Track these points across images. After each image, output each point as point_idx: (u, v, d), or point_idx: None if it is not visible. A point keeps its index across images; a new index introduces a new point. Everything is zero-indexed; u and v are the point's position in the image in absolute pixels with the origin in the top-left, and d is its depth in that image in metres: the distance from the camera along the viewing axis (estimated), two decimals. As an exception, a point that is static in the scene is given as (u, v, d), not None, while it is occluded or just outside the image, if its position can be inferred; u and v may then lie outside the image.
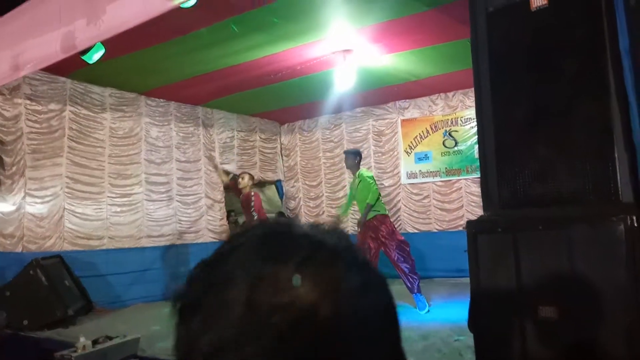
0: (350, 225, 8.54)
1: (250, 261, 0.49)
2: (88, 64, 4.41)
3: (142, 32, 4.74)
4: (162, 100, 7.38)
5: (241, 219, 9.49)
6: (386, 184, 8.24)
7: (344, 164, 6.27)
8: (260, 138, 9.08)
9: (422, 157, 7.99)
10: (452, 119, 7.77)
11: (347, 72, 6.03)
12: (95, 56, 4.18)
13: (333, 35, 5.33)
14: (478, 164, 7.56)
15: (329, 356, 0.46)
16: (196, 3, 3.39)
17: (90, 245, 6.38)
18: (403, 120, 8.22)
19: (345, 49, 5.78)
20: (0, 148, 5.76)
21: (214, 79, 6.54)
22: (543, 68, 2.27)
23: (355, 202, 5.96)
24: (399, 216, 8.07)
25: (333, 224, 0.57)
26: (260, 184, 9.19)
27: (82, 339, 3.45)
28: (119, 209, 6.73)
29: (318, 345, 0.45)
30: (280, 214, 8.95)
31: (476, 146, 7.26)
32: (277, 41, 5.43)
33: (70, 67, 5.44)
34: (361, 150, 8.57)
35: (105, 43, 4.10)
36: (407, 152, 8.16)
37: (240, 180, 6.75)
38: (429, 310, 5.27)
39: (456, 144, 7.71)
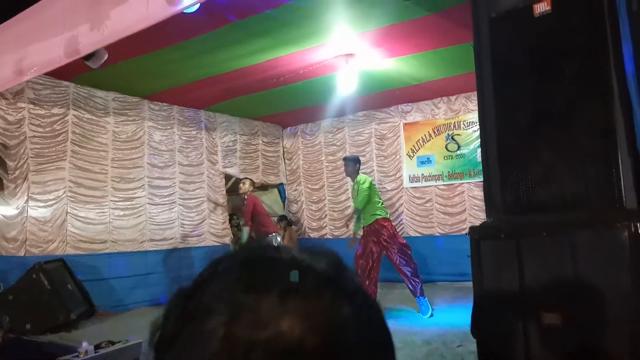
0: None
1: (230, 291, 0.45)
2: (91, 68, 4.44)
3: (145, 36, 4.76)
4: (165, 104, 7.39)
5: (242, 222, 9.51)
6: (388, 188, 8.24)
7: (344, 170, 6.25)
8: (263, 142, 9.08)
9: (425, 161, 7.98)
10: (454, 122, 7.77)
11: (349, 76, 6.04)
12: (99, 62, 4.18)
13: (335, 39, 5.34)
14: (481, 167, 7.55)
15: None
16: (199, 8, 3.40)
17: (93, 249, 6.38)
18: (405, 124, 8.22)
19: (347, 53, 5.79)
20: (4, 152, 5.78)
21: (216, 83, 6.55)
22: (546, 73, 2.27)
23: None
24: (401, 220, 8.06)
25: (324, 247, 0.52)
26: (263, 188, 9.19)
27: (84, 344, 3.45)
28: (121, 213, 6.74)
29: None
30: (283, 217, 8.94)
31: (479, 150, 7.26)
32: (280, 45, 5.44)
33: (74, 71, 5.45)
34: (363, 154, 8.61)
35: (108, 48, 4.12)
36: (409, 156, 8.16)
37: (241, 185, 6.77)
38: (432, 315, 5.26)
39: (459, 147, 7.70)
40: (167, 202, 7.30)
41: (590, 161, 2.09)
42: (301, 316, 0.43)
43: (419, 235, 7.89)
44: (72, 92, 6.33)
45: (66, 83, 6.25)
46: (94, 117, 6.56)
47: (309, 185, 9.24)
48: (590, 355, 2.00)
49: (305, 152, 9.31)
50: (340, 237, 8.77)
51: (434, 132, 7.92)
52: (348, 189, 8.72)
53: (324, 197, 9.05)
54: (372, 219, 5.58)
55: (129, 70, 5.84)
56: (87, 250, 6.31)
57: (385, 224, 5.55)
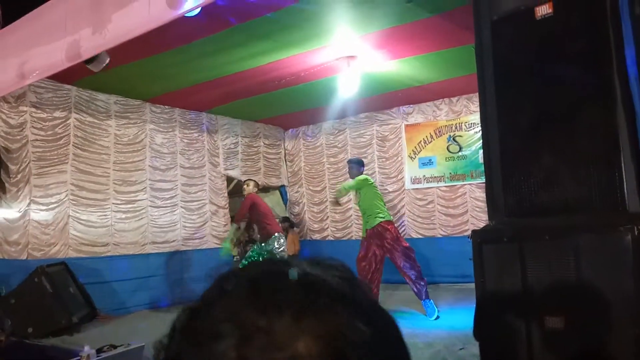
0: (355, 231, 8.54)
1: (241, 311, 0.42)
2: (93, 71, 4.44)
3: (146, 40, 4.77)
4: (166, 106, 7.40)
5: (244, 225, 9.50)
6: (390, 189, 8.23)
7: (348, 172, 6.24)
8: (264, 144, 9.09)
9: (426, 162, 7.98)
10: (456, 124, 7.76)
11: (351, 78, 6.03)
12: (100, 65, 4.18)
13: (337, 41, 5.34)
14: (482, 169, 7.57)
15: None
16: (200, 12, 3.40)
17: (95, 252, 6.39)
18: (407, 126, 8.21)
19: (349, 55, 5.78)
20: (6, 156, 5.79)
21: (218, 86, 6.56)
22: (548, 76, 2.26)
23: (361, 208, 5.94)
24: (403, 221, 8.05)
25: (334, 259, 0.50)
26: (264, 190, 9.19)
27: (86, 348, 3.44)
28: (123, 216, 6.74)
29: None
30: (285, 219, 8.94)
31: (481, 151, 7.25)
32: (282, 48, 5.44)
33: (76, 74, 5.46)
34: (365, 155, 8.61)
35: (110, 51, 4.12)
36: (411, 157, 8.15)
37: (245, 187, 6.75)
38: (438, 317, 5.24)
39: (460, 149, 7.69)
40: (168, 205, 7.30)
41: (593, 165, 2.08)
42: (317, 336, 0.41)
43: (420, 237, 7.88)
44: (73, 96, 6.34)
45: (68, 86, 6.26)
46: (95, 120, 6.57)
47: (311, 187, 9.24)
48: (593, 358, 1.99)
49: (307, 154, 9.31)
50: (342, 238, 8.77)
51: (436, 134, 7.92)
52: (350, 192, 8.72)
53: (325, 199, 9.04)
54: (375, 222, 5.56)
55: (131, 73, 5.84)
56: (89, 253, 6.32)
57: (389, 227, 5.53)
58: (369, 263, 5.48)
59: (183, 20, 3.69)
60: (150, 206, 7.07)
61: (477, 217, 7.52)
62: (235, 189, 8.74)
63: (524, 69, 2.33)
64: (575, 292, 2.04)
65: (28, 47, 3.97)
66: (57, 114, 6.18)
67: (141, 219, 6.93)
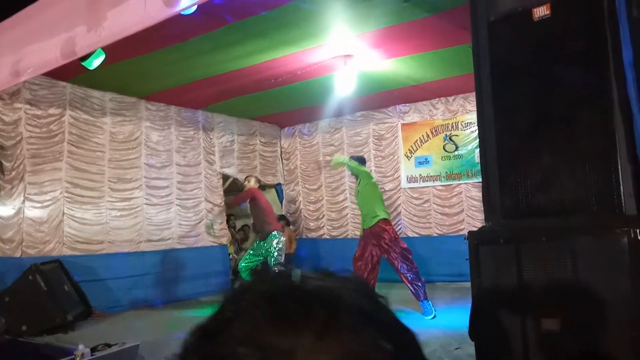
0: (351, 230, 8.54)
1: (260, 332, 0.40)
2: (88, 69, 4.42)
3: (142, 37, 4.75)
4: (162, 104, 7.37)
5: (240, 223, 9.50)
6: (386, 188, 8.23)
7: (340, 168, 6.21)
8: (261, 142, 9.07)
9: (423, 161, 7.98)
10: (452, 123, 7.76)
11: (347, 76, 6.02)
12: (96, 62, 4.18)
13: (334, 40, 5.33)
14: (479, 168, 7.53)
15: None
16: (196, 10, 3.38)
17: (90, 249, 6.36)
18: (403, 125, 8.21)
19: (345, 54, 5.77)
20: (0, 153, 5.75)
21: (214, 84, 6.53)
22: (545, 78, 2.26)
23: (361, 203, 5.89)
24: (399, 220, 8.06)
25: (348, 271, 0.48)
26: (261, 188, 9.15)
27: (80, 347, 3.43)
28: (118, 214, 6.72)
29: None
30: (282, 217, 8.92)
31: (477, 150, 7.27)
32: (278, 46, 5.42)
33: (71, 71, 5.43)
34: (361, 154, 8.59)
35: (105, 48, 4.10)
36: (407, 156, 8.15)
37: (246, 183, 6.71)
38: (435, 316, 5.24)
39: (456, 148, 7.70)
40: (164, 203, 7.28)
41: (589, 166, 2.09)
42: (341, 357, 0.39)
43: (416, 235, 7.89)
44: (68, 93, 6.31)
45: (63, 83, 6.22)
46: (90, 118, 6.54)
47: (307, 186, 9.23)
48: (589, 361, 2.00)
49: (303, 152, 9.30)
50: (338, 237, 8.77)
51: (432, 133, 7.92)
52: (346, 190, 8.73)
53: (321, 197, 9.04)
54: (373, 222, 5.51)
55: (126, 70, 5.81)
56: (84, 251, 6.29)
57: (387, 228, 5.49)
58: (365, 263, 5.47)
59: (179, 18, 3.67)
60: (146, 204, 7.04)
61: (472, 216, 7.53)
62: (231, 187, 8.72)
63: (521, 70, 2.33)
64: (572, 294, 2.04)
65: (23, 45, 3.94)
66: (51, 111, 6.14)
67: (136, 216, 6.91)
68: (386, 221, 5.57)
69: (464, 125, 7.64)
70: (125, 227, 6.75)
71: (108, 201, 6.62)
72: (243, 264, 6.45)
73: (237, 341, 0.40)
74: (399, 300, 6.05)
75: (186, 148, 7.71)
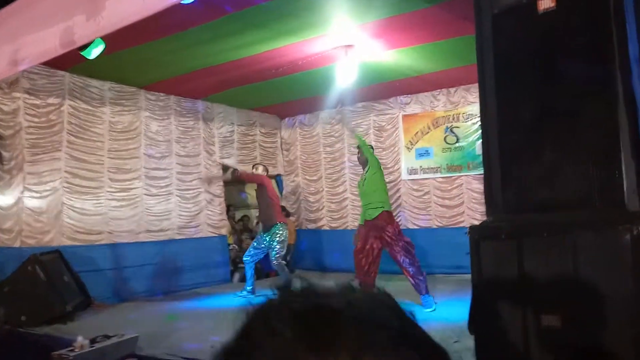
0: (350, 221, 8.53)
1: (293, 353, 0.38)
2: (87, 57, 4.39)
3: (141, 26, 4.69)
4: (162, 94, 7.32)
5: (239, 214, 9.48)
6: (386, 180, 8.17)
7: (357, 158, 6.08)
8: (261, 132, 9.03)
9: (423, 153, 7.95)
10: (453, 114, 7.72)
11: (348, 67, 5.98)
12: (95, 51, 4.14)
13: (335, 30, 5.28)
14: (479, 160, 7.53)
15: None
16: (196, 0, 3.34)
17: (89, 240, 6.35)
18: (404, 116, 8.17)
19: (346, 45, 5.72)
20: (-1, 142, 5.72)
21: (214, 74, 6.49)
22: (549, 71, 2.23)
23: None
24: (399, 212, 8.04)
25: (370, 288, 0.49)
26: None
27: (79, 338, 3.43)
28: (118, 204, 6.70)
29: None
30: (282, 208, 8.91)
31: (478, 142, 7.24)
32: (279, 37, 5.38)
33: (70, 61, 5.38)
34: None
35: (105, 37, 4.07)
36: (408, 148, 8.12)
37: (254, 170, 6.67)
38: (434, 309, 5.23)
39: (457, 140, 7.66)
40: (164, 193, 7.26)
41: (593, 162, 2.06)
42: None
43: (416, 227, 7.88)
44: (67, 82, 6.26)
45: (62, 73, 6.17)
46: (90, 107, 6.50)
47: (307, 177, 9.21)
48: (590, 357, 1.99)
49: (303, 143, 9.26)
50: (338, 228, 8.76)
51: (433, 125, 7.88)
52: (346, 181, 8.71)
53: (321, 189, 9.02)
54: (375, 213, 5.45)
55: (126, 60, 5.77)
56: (83, 241, 6.28)
57: (390, 221, 5.46)
58: (367, 255, 5.44)
59: (179, 7, 3.63)
60: (145, 194, 7.03)
61: (473, 208, 7.52)
62: (230, 178, 8.69)
63: (525, 63, 2.30)
64: (573, 290, 2.03)
65: (21, 34, 3.90)
66: (50, 100, 6.10)
67: (136, 207, 6.89)
68: (389, 213, 5.53)
69: (465, 116, 7.60)
70: (124, 217, 6.74)
71: (107, 191, 6.60)
72: (247, 258, 6.46)
73: None
74: (397, 292, 6.00)
75: (186, 138, 7.68)
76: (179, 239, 7.37)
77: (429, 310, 5.19)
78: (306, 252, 9.03)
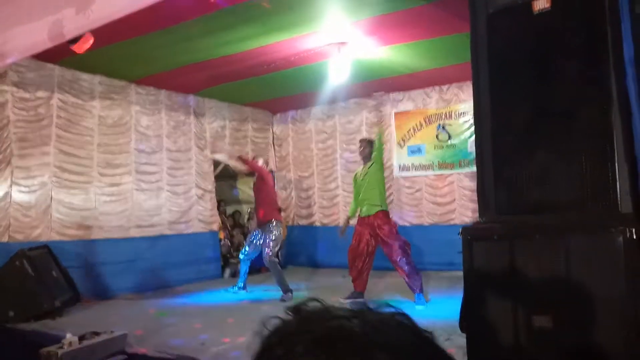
0: (343, 218, 8.51)
1: None
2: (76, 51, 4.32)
3: (132, 20, 4.63)
4: (152, 88, 7.25)
5: (230, 209, 9.44)
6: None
7: (359, 153, 6.03)
8: (253, 128, 8.98)
9: (415, 150, 7.95)
10: (446, 112, 7.73)
11: (341, 64, 5.95)
12: (84, 46, 4.07)
13: (328, 27, 5.25)
14: (471, 158, 7.55)
15: None
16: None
17: (79, 235, 6.28)
18: (397, 113, 8.16)
19: (340, 41, 5.70)
20: (-14, 136, 5.63)
21: (206, 68, 6.43)
22: (544, 72, 2.22)
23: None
24: (390, 209, 8.03)
25: (389, 305, 0.47)
26: (252, 174, 9.10)
27: (68, 335, 3.39)
28: (108, 199, 6.63)
29: None
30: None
31: (470, 140, 7.26)
32: (271, 32, 5.33)
33: (59, 54, 5.30)
34: (354, 142, 8.52)
35: (95, 31, 4.00)
36: (400, 145, 8.12)
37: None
38: (426, 307, 5.24)
39: (450, 137, 7.67)
40: (154, 189, 7.20)
41: (586, 163, 2.06)
42: None
43: (408, 224, 7.88)
44: (57, 75, 6.17)
45: (51, 66, 6.08)
46: (79, 101, 6.41)
47: (299, 173, 9.19)
48: (581, 358, 1.99)
49: (296, 139, 9.23)
50: (329, 224, 8.76)
51: (425, 122, 7.88)
52: (337, 177, 8.69)
53: (313, 185, 9.00)
54: (372, 210, 5.45)
55: (116, 53, 5.70)
56: (72, 236, 6.21)
57: (386, 220, 5.45)
58: (361, 253, 5.45)
59: (170, 0, 3.58)
60: (136, 189, 6.96)
61: (464, 206, 7.54)
62: (222, 173, 8.65)
63: (520, 64, 2.29)
64: (565, 292, 2.03)
65: (9, 26, 3.83)
66: (39, 93, 6.02)
67: (126, 202, 6.83)
68: (385, 213, 5.54)
69: (457, 114, 7.61)
70: (114, 212, 6.68)
71: (97, 186, 6.53)
72: (242, 255, 6.43)
73: None
74: (389, 289, 6.08)
75: (177, 133, 7.61)
76: (170, 235, 7.32)
77: (420, 307, 5.20)
78: (298, 248, 9.03)
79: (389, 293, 5.93)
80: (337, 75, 6.12)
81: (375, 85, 7.58)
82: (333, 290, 6.13)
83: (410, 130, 8.02)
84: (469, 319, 2.40)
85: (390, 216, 5.88)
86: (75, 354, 3.29)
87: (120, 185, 6.79)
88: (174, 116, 7.58)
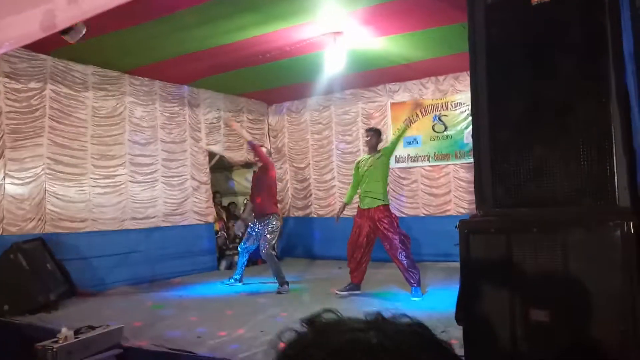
0: (338, 209, 8.50)
1: None
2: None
3: (126, 9, 4.57)
4: (146, 79, 7.18)
5: (226, 200, 9.42)
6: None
7: (366, 142, 5.97)
8: (248, 119, 8.93)
9: (411, 141, 7.93)
10: (442, 103, 7.70)
11: (337, 54, 5.90)
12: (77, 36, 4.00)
13: (324, 17, 5.20)
14: (467, 149, 7.54)
15: None
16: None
17: (73, 227, 6.24)
18: (393, 104, 8.13)
19: (335, 31, 5.65)
20: (-22, 127, 5.57)
21: (201, 58, 6.37)
22: (542, 65, 2.20)
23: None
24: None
25: (406, 316, 0.46)
26: (247, 165, 9.08)
27: (63, 329, 3.38)
28: (102, 191, 6.59)
29: None
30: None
31: (466, 131, 7.24)
32: (267, 22, 5.28)
33: (51, 44, 5.23)
34: (350, 133, 8.53)
35: (87, 20, 3.93)
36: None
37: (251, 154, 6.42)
38: (421, 298, 5.25)
39: (446, 128, 7.65)
40: (149, 180, 7.16)
41: (584, 157, 2.05)
42: None
43: (403, 215, 7.88)
44: (49, 66, 6.10)
45: (43, 56, 6.01)
46: (72, 92, 6.35)
47: (294, 164, 9.16)
48: (578, 352, 2.00)
49: (291, 130, 9.19)
50: (325, 216, 8.75)
51: (421, 113, 7.85)
52: (333, 169, 8.67)
53: (309, 176, 8.98)
54: (374, 204, 5.44)
55: (109, 43, 5.63)
56: (67, 229, 6.17)
57: (387, 214, 5.43)
58: (360, 245, 5.45)
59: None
60: (130, 181, 6.92)
61: (460, 197, 7.55)
62: (217, 165, 8.61)
63: (518, 57, 2.27)
64: (562, 286, 2.03)
65: (-1, 16, 3.76)
66: (32, 84, 5.95)
67: (120, 194, 6.79)
68: (386, 207, 5.52)
69: (453, 105, 7.58)
70: (109, 204, 6.64)
71: (91, 178, 6.48)
72: (241, 248, 6.41)
73: None
74: (385, 280, 6.09)
75: (171, 124, 7.56)
76: (165, 227, 7.29)
77: (416, 299, 5.21)
78: (294, 239, 9.02)
79: (386, 285, 5.94)
80: (332, 65, 6.08)
81: (371, 75, 7.53)
82: (329, 282, 6.15)
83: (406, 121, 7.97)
84: (465, 312, 2.41)
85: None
86: (70, 348, 3.28)
87: (115, 177, 6.75)
88: (168, 107, 7.52)
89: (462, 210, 7.36)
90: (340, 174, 8.55)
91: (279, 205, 8.68)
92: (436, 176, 7.79)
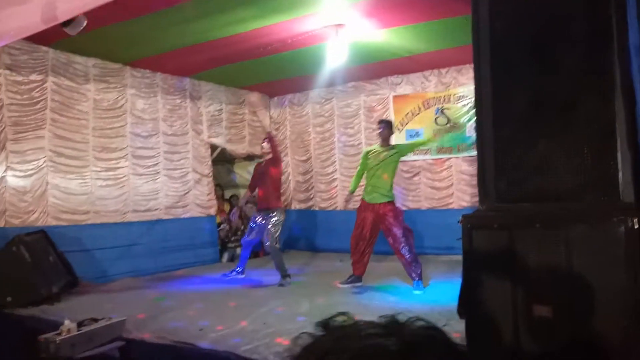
0: (340, 202, 8.50)
1: None
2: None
3: (127, 2, 4.56)
4: (148, 71, 7.16)
5: (228, 193, 9.42)
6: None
7: (379, 134, 5.92)
8: (250, 111, 8.90)
9: (414, 135, 7.90)
10: (444, 96, 7.66)
11: (339, 46, 5.87)
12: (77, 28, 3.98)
13: (326, 9, 5.17)
14: (469, 142, 7.50)
15: None
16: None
17: (75, 220, 6.25)
18: (395, 97, 8.10)
19: (337, 24, 5.61)
20: (-20, 120, 5.57)
21: (202, 51, 6.34)
22: (547, 59, 2.19)
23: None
24: (388, 193, 8.03)
25: (421, 319, 0.46)
26: (249, 158, 9.08)
27: (66, 322, 3.39)
28: (104, 183, 6.59)
29: None
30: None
31: (468, 124, 7.21)
32: (269, 14, 5.25)
33: (53, 36, 5.21)
34: (352, 125, 8.50)
35: (88, 12, 3.92)
36: (398, 129, 8.04)
37: (264, 145, 6.34)
38: (423, 292, 5.25)
39: (448, 121, 7.62)
40: (150, 173, 7.16)
41: (588, 153, 2.04)
42: None
43: (405, 208, 7.86)
44: (50, 58, 6.08)
45: (45, 48, 5.99)
46: (73, 84, 6.33)
47: (296, 157, 9.14)
48: (580, 347, 1.99)
49: (293, 122, 9.17)
50: (327, 209, 8.75)
51: (424, 106, 7.82)
52: (335, 161, 8.65)
53: (311, 169, 8.97)
54: (380, 200, 5.43)
55: (111, 35, 5.61)
56: (69, 221, 6.18)
57: (391, 208, 5.43)
58: (363, 239, 5.46)
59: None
60: (132, 174, 6.92)
61: (462, 190, 7.53)
62: (219, 157, 8.61)
63: (522, 50, 2.25)
64: (565, 281, 2.03)
65: (0, 9, 3.74)
66: (33, 77, 5.93)
67: (122, 186, 6.79)
68: (392, 203, 5.53)
69: (456, 98, 7.55)
70: (110, 197, 6.65)
71: (93, 171, 6.48)
72: (245, 240, 6.41)
73: None
74: (387, 273, 6.09)
75: (173, 117, 7.54)
76: (167, 219, 7.30)
77: (418, 292, 5.22)
78: (296, 232, 9.03)
79: (388, 277, 5.94)
80: (334, 58, 6.04)
81: (373, 68, 7.50)
82: (331, 275, 6.15)
83: (408, 114, 7.96)
84: (467, 307, 2.41)
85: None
86: (73, 340, 3.29)
87: (117, 169, 6.75)
88: (169, 99, 7.50)
89: (464, 204, 7.34)
90: (343, 166, 8.54)
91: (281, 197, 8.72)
92: (438, 169, 7.77)
